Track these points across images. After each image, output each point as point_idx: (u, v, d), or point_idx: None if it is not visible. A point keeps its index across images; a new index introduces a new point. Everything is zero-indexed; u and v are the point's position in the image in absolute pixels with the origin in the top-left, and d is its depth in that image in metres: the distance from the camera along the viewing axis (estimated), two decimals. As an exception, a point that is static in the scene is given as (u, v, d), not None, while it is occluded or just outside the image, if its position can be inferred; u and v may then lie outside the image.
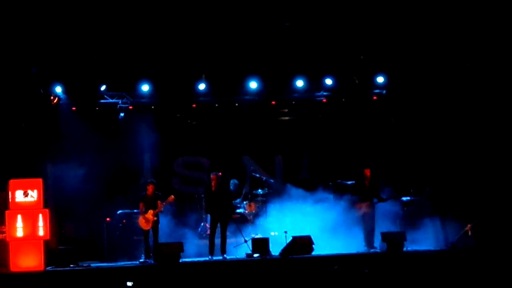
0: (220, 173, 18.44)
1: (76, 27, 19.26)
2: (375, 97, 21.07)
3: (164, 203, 18.15)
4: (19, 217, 17.33)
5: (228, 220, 18.10)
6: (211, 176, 18.21)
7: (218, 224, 17.97)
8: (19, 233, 17.30)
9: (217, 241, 18.00)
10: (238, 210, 19.67)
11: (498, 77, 19.35)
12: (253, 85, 20.44)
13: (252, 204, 19.91)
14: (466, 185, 19.30)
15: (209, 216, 18.35)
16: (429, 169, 19.87)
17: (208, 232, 18.33)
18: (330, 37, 20.83)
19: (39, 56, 18.83)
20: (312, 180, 21.30)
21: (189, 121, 21.16)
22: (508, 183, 19.03)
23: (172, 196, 18.33)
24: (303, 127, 21.50)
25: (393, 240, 18.03)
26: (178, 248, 17.47)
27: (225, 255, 17.85)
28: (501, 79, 19.33)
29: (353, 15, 20.49)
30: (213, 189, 18.09)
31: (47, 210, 17.68)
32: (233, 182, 19.93)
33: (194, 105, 20.83)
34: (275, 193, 20.16)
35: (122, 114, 20.55)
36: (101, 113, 20.39)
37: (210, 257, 17.86)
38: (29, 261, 17.18)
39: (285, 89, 20.85)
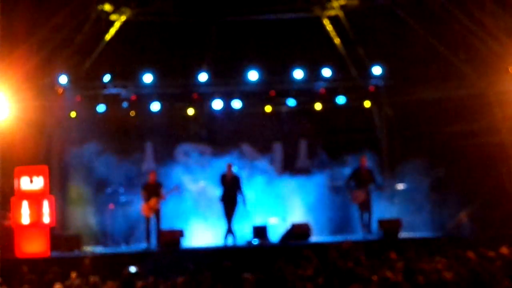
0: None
1: (81, 17, 19.53)
2: (371, 88, 21.02)
3: (168, 192, 18.52)
4: (25, 203, 17.48)
5: (235, 208, 18.58)
6: (227, 165, 18.78)
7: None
8: (25, 219, 17.45)
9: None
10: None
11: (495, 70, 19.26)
12: (252, 75, 20.48)
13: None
14: (463, 173, 19.50)
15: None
16: (427, 158, 20.00)
17: None
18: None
19: (44, 46, 18.96)
20: (310, 167, 21.42)
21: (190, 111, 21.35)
22: (505, 171, 19.18)
23: (177, 186, 18.74)
24: (302, 116, 21.53)
25: (389, 227, 18.23)
26: (179, 234, 17.84)
27: (235, 241, 18.27)
28: (498, 73, 19.22)
29: (350, 6, 20.78)
30: (227, 177, 18.57)
31: (52, 197, 17.91)
32: (232, 169, 20.27)
33: (195, 95, 20.83)
34: (274, 180, 20.42)
35: (125, 104, 20.61)
36: (104, 103, 20.42)
37: (225, 242, 18.35)
38: (34, 247, 17.39)
39: (284, 79, 20.88)
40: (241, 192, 18.69)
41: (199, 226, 19.70)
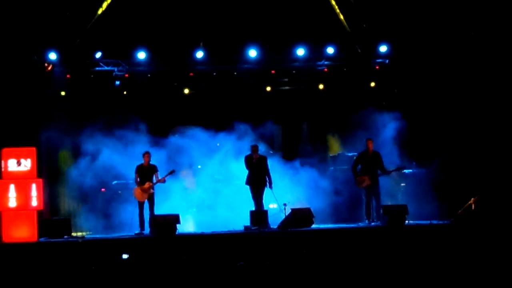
0: None
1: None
2: (377, 67, 20.86)
3: (165, 176, 18.05)
4: (12, 186, 17.23)
5: (264, 190, 18.27)
6: (253, 147, 18.45)
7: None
8: (12, 203, 17.22)
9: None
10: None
11: (504, 48, 19.02)
12: (252, 53, 20.22)
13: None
14: (471, 158, 19.17)
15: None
16: (434, 141, 19.72)
17: None
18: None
19: (33, 22, 18.50)
20: (312, 151, 21.19)
21: (186, 90, 20.94)
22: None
23: (173, 170, 18.24)
24: (304, 96, 21.33)
25: (395, 213, 17.77)
26: (174, 220, 17.33)
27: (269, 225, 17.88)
28: (507, 49, 19.00)
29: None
30: (254, 160, 18.29)
31: (40, 180, 17.57)
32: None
33: (191, 74, 20.60)
34: (274, 164, 19.85)
35: (117, 82, 20.37)
36: (96, 81, 20.22)
37: (253, 226, 17.88)
38: (22, 231, 17.10)
39: (285, 58, 20.70)
40: (268, 174, 18.36)
41: (195, 211, 19.37)
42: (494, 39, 19.11)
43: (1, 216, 17.19)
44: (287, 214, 17.96)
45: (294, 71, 21.00)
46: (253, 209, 18.24)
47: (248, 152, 18.67)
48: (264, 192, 18.32)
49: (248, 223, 17.90)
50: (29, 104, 18.74)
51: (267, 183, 18.27)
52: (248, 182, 18.41)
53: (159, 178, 18.02)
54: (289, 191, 19.09)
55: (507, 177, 18.63)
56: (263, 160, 18.45)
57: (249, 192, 18.50)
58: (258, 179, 18.27)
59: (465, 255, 15.37)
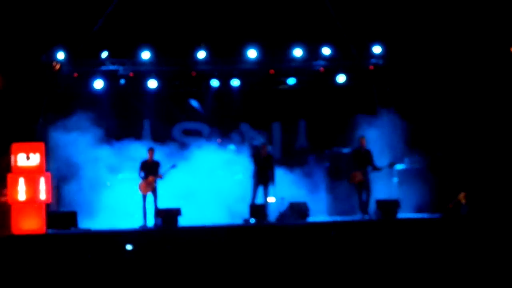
0: None
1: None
2: (371, 67, 20.99)
3: (165, 171, 18.32)
4: (21, 180, 17.39)
5: (269, 186, 18.68)
6: (263, 144, 19.04)
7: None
8: (21, 196, 17.37)
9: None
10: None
11: (497, 48, 19.46)
12: (252, 54, 20.40)
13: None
14: (462, 153, 19.51)
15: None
16: (426, 138, 20.01)
17: None
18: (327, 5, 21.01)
19: (42, 23, 18.88)
20: (309, 147, 21.50)
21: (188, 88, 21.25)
22: (504, 151, 19.25)
23: (174, 165, 18.50)
24: (301, 95, 21.47)
25: (387, 207, 18.18)
26: (176, 213, 17.73)
27: (268, 219, 18.31)
28: (499, 50, 19.43)
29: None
30: (262, 156, 18.76)
31: (48, 174, 17.82)
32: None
33: (193, 73, 20.80)
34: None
35: (122, 81, 20.57)
36: (102, 80, 20.41)
37: (252, 219, 18.24)
38: (30, 224, 17.30)
39: (283, 58, 20.80)
40: (272, 171, 18.78)
41: (196, 205, 19.45)
42: (485, 40, 19.42)
43: (11, 208, 17.36)
44: (284, 207, 18.35)
45: (292, 71, 21.09)
46: (251, 202, 18.55)
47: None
48: (269, 189, 18.74)
49: (247, 216, 18.23)
50: (38, 101, 19.06)
51: (271, 179, 18.69)
52: (253, 176, 18.83)
53: (160, 173, 18.37)
54: (287, 186, 19.31)
55: (496, 173, 18.96)
56: (270, 158, 18.90)
57: (249, 186, 18.86)
58: (262, 174, 18.70)
59: (455, 247, 15.84)
